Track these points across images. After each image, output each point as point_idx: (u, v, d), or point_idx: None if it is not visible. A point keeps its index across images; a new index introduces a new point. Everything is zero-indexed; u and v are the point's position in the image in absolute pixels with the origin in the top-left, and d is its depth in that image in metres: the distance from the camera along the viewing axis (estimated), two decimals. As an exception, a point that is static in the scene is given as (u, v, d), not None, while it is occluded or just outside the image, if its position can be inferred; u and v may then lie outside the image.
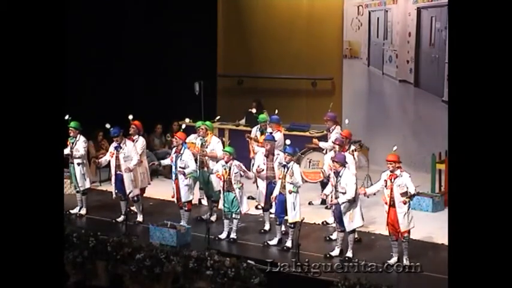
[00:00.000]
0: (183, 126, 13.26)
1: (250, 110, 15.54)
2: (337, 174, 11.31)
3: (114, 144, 13.13)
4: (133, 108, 14.03)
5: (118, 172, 13.11)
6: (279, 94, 17.88)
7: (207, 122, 13.53)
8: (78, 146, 13.50)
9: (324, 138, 14.13)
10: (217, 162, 12.62)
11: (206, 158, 13.10)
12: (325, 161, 12.76)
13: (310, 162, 14.25)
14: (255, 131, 14.12)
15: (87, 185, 13.73)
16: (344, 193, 11.21)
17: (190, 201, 12.76)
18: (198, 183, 13.41)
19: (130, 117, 13.42)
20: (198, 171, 12.93)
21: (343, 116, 16.75)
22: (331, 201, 11.49)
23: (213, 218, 13.18)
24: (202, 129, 13.25)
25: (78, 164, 13.53)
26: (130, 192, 13.09)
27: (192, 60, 17.22)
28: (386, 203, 11.03)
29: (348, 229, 11.29)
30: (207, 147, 13.13)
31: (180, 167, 12.48)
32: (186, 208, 12.71)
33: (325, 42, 17.61)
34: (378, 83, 17.15)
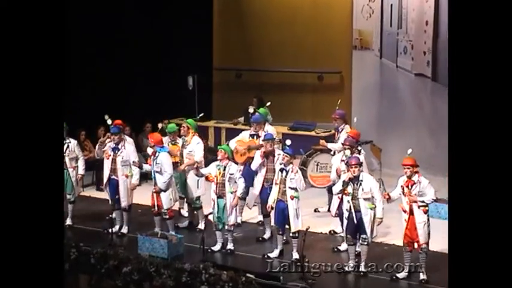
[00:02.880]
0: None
1: (249, 107, 15.16)
2: (356, 179, 11.10)
3: (112, 144, 12.81)
4: (121, 106, 14.08)
5: (113, 177, 12.80)
6: (281, 89, 17.80)
7: (189, 120, 13.16)
8: (73, 148, 13.21)
9: (332, 139, 13.84)
10: (196, 168, 12.44)
11: (184, 157, 12.81)
12: (332, 164, 12.41)
13: (317, 165, 14.13)
14: (247, 136, 13.35)
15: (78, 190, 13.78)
16: (367, 199, 10.99)
17: (171, 208, 12.49)
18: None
19: (107, 117, 12.86)
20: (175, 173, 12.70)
21: (353, 113, 16.17)
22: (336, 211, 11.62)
23: (201, 226, 12.82)
24: (183, 127, 12.94)
25: (74, 168, 13.23)
26: (124, 201, 12.77)
27: (185, 51, 17.19)
28: (405, 211, 10.90)
29: (369, 241, 11.20)
30: (186, 148, 12.84)
31: (156, 171, 12.27)
32: (167, 216, 12.39)
33: (333, 31, 17.52)
34: (391, 76, 16.91)
